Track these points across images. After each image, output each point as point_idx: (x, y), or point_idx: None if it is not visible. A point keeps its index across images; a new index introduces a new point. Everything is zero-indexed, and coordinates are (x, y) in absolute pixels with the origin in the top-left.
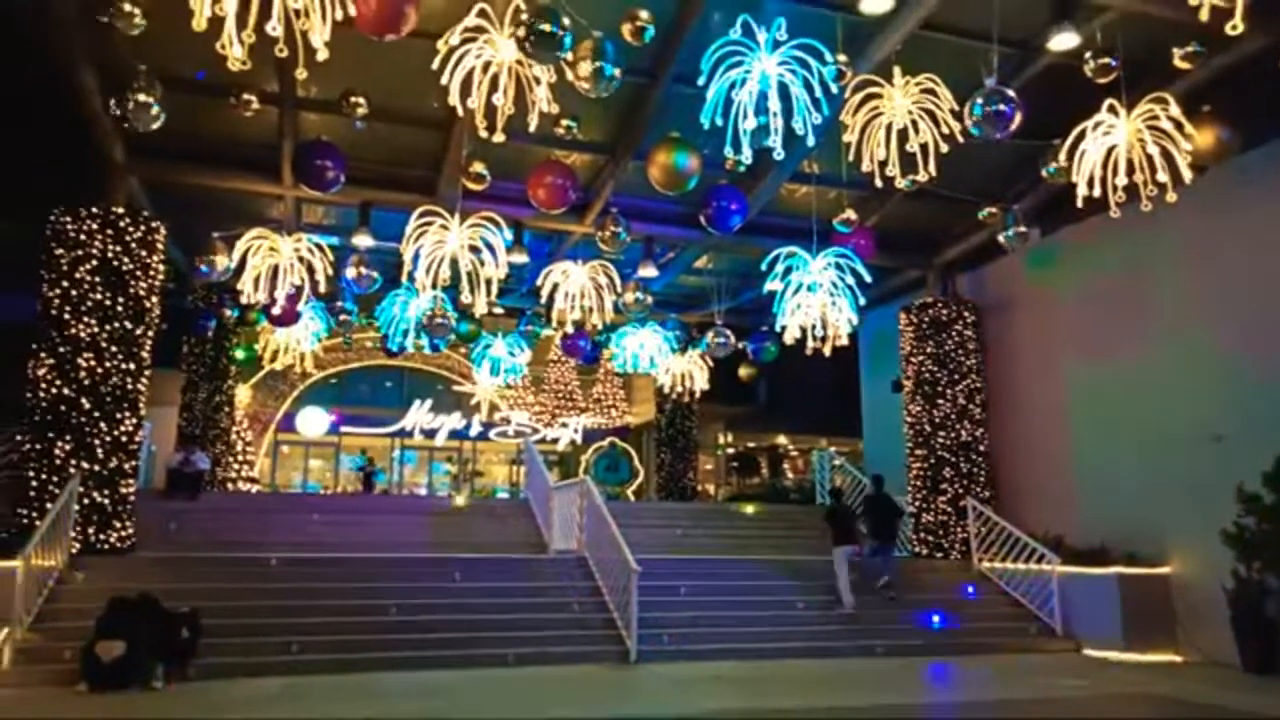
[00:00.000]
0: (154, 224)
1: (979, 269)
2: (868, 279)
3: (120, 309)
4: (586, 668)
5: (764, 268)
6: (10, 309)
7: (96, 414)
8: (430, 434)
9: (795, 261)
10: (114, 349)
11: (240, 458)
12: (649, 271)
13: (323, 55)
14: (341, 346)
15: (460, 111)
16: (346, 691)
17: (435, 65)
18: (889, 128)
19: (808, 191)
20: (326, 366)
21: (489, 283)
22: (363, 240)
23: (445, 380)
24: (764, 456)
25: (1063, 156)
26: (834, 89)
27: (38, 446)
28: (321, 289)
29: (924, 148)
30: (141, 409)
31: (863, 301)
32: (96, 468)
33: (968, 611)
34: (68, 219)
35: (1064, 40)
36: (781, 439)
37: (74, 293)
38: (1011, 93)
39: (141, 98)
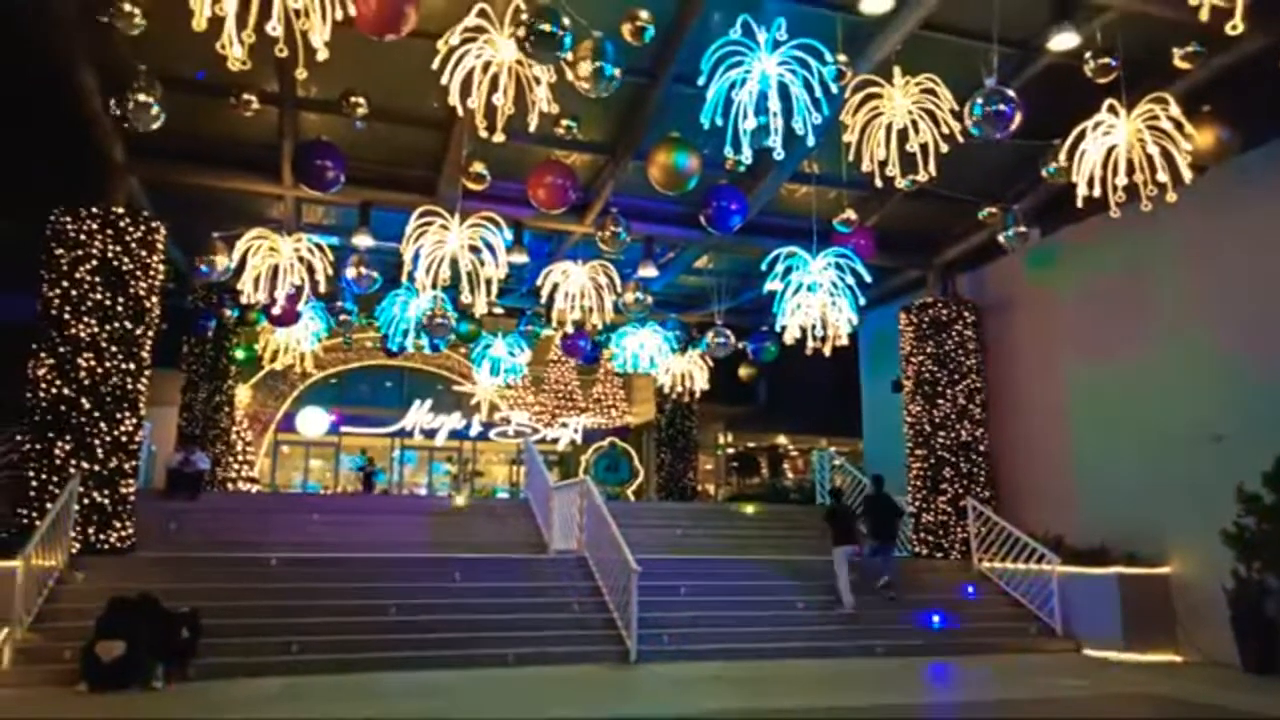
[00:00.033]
0: (154, 224)
1: (979, 269)
2: (868, 279)
3: (120, 309)
4: (586, 668)
5: (764, 268)
6: (10, 309)
7: (96, 414)
8: (430, 434)
9: (795, 261)
10: (114, 349)
11: (240, 458)
12: (649, 271)
13: (323, 55)
14: (341, 346)
15: (460, 111)
16: (346, 691)
17: (435, 65)
18: (889, 128)
19: (808, 191)
20: (326, 366)
21: (489, 283)
22: (363, 240)
23: (445, 380)
24: (764, 456)
25: (1063, 156)
26: (834, 89)
27: (38, 446)
28: (321, 289)
29: (924, 148)
30: (141, 409)
31: (863, 301)
32: (96, 468)
33: (968, 611)
34: (68, 219)
35: (1064, 40)
36: (781, 439)
37: (74, 293)
38: (1011, 93)
39: (141, 98)
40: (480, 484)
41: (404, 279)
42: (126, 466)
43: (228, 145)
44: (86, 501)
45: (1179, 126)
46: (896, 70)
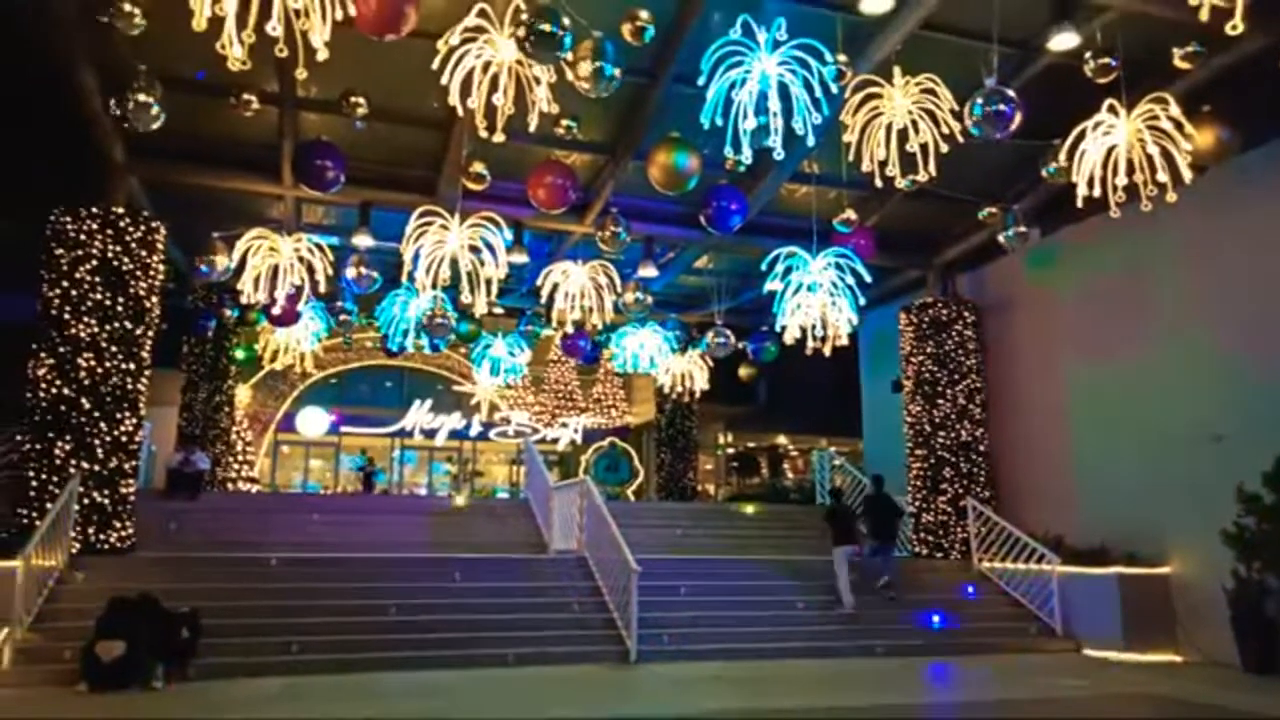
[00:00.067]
0: (154, 224)
1: (979, 269)
2: (868, 279)
3: (120, 309)
4: (586, 668)
5: (764, 268)
6: (10, 309)
7: (96, 414)
8: (430, 434)
9: (795, 261)
10: (114, 349)
11: (240, 458)
12: (649, 271)
13: (323, 55)
14: (341, 346)
15: (460, 111)
16: (346, 691)
17: (435, 65)
18: (889, 128)
19: (808, 191)
20: (326, 366)
21: (489, 283)
22: (363, 240)
23: (445, 380)
24: (764, 456)
25: (1063, 156)
26: (834, 89)
27: (38, 446)
28: (321, 289)
29: (924, 148)
30: (141, 409)
31: (863, 301)
32: (96, 468)
33: (968, 611)
34: (68, 219)
35: (1064, 40)
36: (781, 439)
37: (74, 293)
38: (1011, 93)
39: (141, 98)
40: (480, 484)
41: (404, 279)
42: (126, 466)
43: (228, 145)
44: (86, 501)
45: (1179, 126)
46: (896, 70)
